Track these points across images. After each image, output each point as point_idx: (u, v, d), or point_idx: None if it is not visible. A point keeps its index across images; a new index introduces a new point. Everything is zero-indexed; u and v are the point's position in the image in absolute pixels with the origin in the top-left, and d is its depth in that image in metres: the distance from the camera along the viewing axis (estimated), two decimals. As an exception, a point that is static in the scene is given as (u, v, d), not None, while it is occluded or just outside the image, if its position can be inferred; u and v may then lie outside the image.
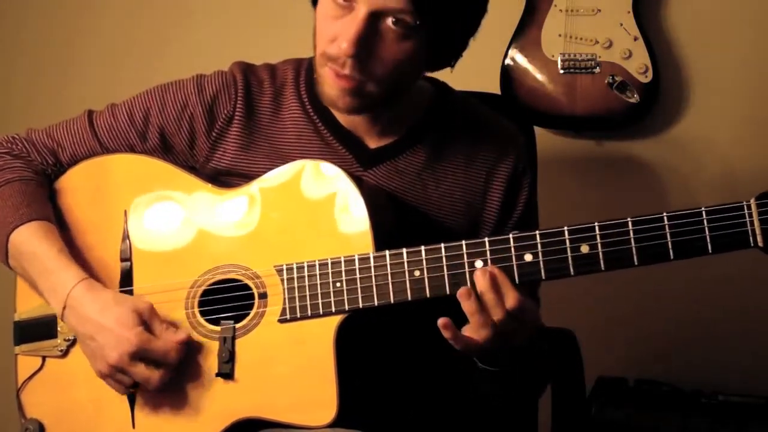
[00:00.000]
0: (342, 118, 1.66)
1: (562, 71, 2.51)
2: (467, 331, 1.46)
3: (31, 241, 1.60)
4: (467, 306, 1.44)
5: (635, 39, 2.48)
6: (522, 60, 2.54)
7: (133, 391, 1.57)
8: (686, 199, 2.59)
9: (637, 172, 2.63)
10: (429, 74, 1.70)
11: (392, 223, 1.59)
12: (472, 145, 1.70)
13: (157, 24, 2.99)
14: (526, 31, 2.54)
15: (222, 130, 1.67)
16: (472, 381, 1.61)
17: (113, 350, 1.51)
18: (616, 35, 2.48)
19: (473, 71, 2.52)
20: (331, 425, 1.48)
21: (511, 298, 1.43)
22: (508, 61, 2.55)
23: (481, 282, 1.44)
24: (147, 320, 1.54)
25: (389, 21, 1.48)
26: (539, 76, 2.54)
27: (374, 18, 1.48)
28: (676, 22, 2.57)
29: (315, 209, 1.54)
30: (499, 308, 1.44)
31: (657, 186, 2.62)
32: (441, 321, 1.43)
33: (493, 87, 2.53)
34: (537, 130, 2.28)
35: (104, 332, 1.53)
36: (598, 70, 2.49)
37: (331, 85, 1.53)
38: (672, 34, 2.57)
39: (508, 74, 2.55)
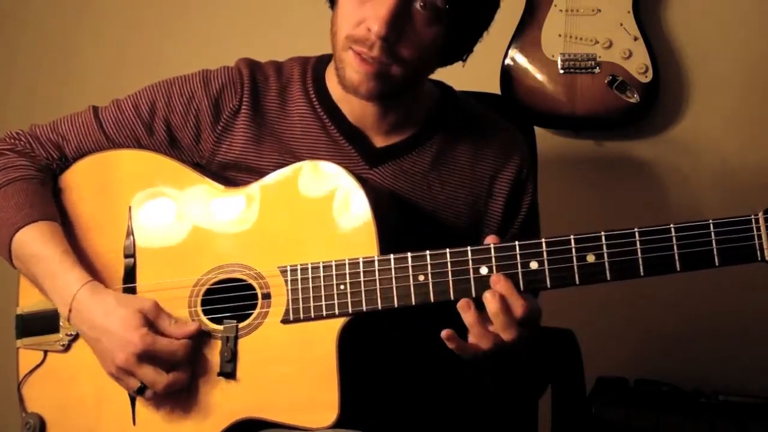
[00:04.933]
0: (350, 115, 1.66)
1: (562, 71, 2.51)
2: (470, 339, 1.46)
3: (35, 243, 1.59)
4: (467, 317, 1.44)
5: (635, 39, 2.48)
6: (522, 60, 2.54)
7: (139, 395, 1.55)
8: (686, 200, 2.60)
9: (637, 172, 2.63)
10: (433, 75, 1.70)
11: (396, 222, 1.59)
12: (476, 148, 1.70)
13: (159, 24, 2.99)
14: (526, 31, 2.54)
15: (228, 123, 1.67)
16: (468, 383, 1.61)
17: (119, 352, 1.51)
18: (616, 35, 2.48)
19: (473, 71, 2.53)
20: (333, 427, 1.48)
21: (519, 309, 1.43)
22: (508, 61, 2.55)
23: (492, 306, 1.43)
24: (153, 319, 1.54)
25: (418, 5, 1.50)
26: (539, 76, 2.54)
27: (405, 1, 1.49)
28: (676, 22, 2.58)
29: (319, 209, 1.54)
30: (510, 329, 1.43)
31: (657, 186, 2.62)
32: (444, 333, 1.43)
33: (493, 87, 2.53)
34: (537, 130, 2.28)
35: (109, 335, 1.52)
36: (598, 70, 2.49)
37: (355, 69, 1.53)
38: (672, 34, 2.57)
39: (508, 74, 2.55)
